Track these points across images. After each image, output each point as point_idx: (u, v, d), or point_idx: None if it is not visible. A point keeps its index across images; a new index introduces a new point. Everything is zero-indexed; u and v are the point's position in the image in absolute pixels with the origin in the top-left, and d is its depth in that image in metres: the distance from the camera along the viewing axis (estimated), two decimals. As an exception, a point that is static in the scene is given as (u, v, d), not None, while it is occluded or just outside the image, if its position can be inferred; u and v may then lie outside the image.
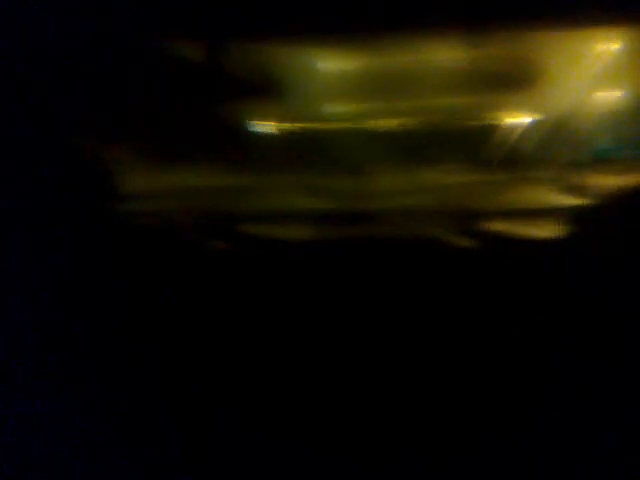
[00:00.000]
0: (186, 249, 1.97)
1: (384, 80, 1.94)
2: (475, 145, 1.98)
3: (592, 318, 1.66)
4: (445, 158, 1.97)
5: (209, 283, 1.90)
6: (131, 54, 1.83)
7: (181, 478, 1.72)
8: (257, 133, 2.04)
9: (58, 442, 1.71)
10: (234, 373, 1.83)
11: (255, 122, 2.05)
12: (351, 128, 2.02)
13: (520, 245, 1.83)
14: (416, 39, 1.83)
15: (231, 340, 1.84)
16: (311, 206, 2.00)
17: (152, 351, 1.84)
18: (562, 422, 1.59)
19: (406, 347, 1.76)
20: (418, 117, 2.00)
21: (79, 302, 1.84)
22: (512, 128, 1.95)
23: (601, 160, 1.86)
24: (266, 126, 2.05)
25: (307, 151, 2.04)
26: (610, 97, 1.83)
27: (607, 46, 1.78)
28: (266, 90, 1.97)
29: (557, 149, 1.92)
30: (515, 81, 1.91)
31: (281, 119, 2.05)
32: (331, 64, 1.94)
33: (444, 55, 1.87)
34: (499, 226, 1.90)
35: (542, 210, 1.88)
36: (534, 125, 1.94)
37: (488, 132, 1.97)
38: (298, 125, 2.04)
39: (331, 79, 1.95)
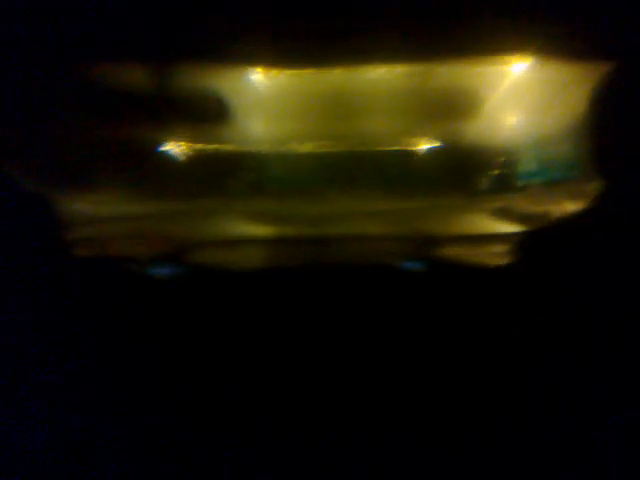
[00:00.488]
0: (126, 278, 1.98)
1: (309, 103, 1.97)
2: (395, 170, 2.01)
3: (535, 344, 1.68)
4: (368, 183, 2.00)
5: (154, 312, 1.91)
6: (46, 79, 1.83)
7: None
8: (186, 156, 2.07)
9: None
10: (179, 408, 1.83)
11: (181, 145, 2.08)
12: (275, 151, 2.05)
13: (454, 271, 1.85)
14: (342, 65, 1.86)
15: (176, 371, 1.84)
16: (251, 232, 2.03)
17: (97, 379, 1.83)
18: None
19: (355, 370, 1.78)
20: (345, 141, 2.03)
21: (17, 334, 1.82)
22: (427, 154, 1.98)
23: (528, 185, 1.89)
24: (193, 149, 2.08)
25: (235, 174, 2.07)
26: (526, 123, 1.86)
27: (521, 73, 1.81)
28: (189, 112, 2.00)
29: (477, 175, 1.95)
30: (435, 108, 1.94)
31: (208, 141, 2.08)
32: (258, 86, 1.97)
33: (367, 79, 1.91)
34: (435, 251, 1.93)
35: (475, 236, 1.91)
36: (447, 151, 1.97)
37: (407, 157, 2.01)
38: (227, 147, 2.07)
39: (255, 101, 1.98)
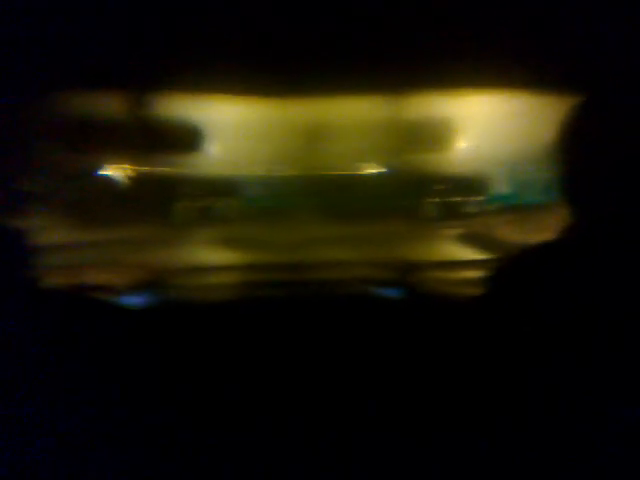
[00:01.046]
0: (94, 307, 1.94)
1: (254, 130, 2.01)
2: (350, 195, 2.06)
3: (507, 371, 1.69)
4: (322, 209, 2.03)
5: (126, 341, 1.87)
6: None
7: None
8: (136, 182, 2.07)
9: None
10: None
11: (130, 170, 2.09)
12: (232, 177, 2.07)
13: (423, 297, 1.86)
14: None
15: (149, 402, 1.80)
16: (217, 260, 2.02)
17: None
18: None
19: (329, 396, 1.76)
20: (299, 165, 2.06)
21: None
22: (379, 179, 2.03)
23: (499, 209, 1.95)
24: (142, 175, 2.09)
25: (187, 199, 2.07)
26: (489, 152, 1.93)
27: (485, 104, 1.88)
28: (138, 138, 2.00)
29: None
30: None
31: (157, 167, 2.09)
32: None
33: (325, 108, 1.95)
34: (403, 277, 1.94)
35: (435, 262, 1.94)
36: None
37: (360, 182, 2.06)
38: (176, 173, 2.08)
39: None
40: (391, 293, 1.91)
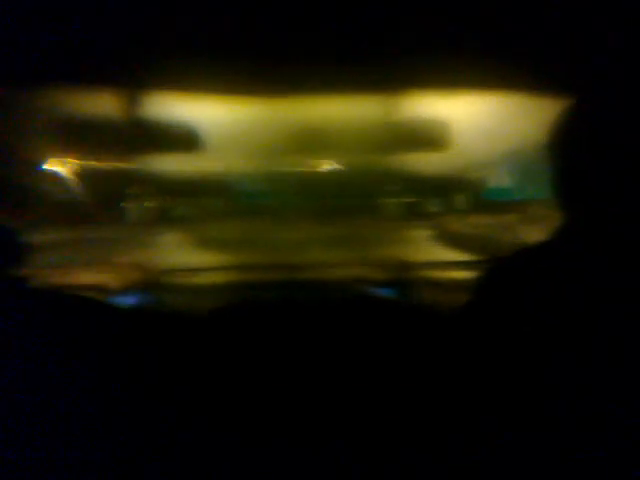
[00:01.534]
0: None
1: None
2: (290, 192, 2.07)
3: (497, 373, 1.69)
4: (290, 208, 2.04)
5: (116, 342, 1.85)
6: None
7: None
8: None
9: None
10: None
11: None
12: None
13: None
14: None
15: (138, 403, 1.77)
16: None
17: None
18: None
19: (322, 397, 1.75)
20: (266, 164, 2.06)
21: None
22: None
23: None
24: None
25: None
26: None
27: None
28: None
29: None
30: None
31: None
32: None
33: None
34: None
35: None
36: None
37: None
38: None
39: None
40: (381, 292, 1.91)
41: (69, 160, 2.10)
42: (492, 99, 1.79)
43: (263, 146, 2.04)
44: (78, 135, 2.00)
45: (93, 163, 2.13)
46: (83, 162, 2.12)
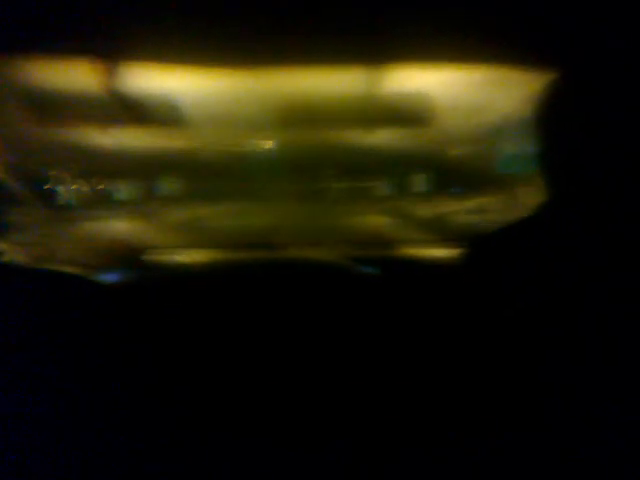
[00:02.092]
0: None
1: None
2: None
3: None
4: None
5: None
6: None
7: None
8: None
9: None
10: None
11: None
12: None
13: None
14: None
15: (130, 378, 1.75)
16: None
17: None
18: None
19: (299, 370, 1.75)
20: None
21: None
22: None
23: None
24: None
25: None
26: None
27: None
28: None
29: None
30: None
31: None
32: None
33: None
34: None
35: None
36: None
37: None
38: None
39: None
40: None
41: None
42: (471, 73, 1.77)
43: (221, 120, 1.99)
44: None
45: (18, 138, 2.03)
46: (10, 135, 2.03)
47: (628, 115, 1.26)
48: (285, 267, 1.93)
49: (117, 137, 2.02)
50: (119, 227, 2.03)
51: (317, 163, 2.03)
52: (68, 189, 2.09)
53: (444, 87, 1.74)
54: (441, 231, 1.87)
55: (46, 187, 2.03)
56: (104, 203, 2.09)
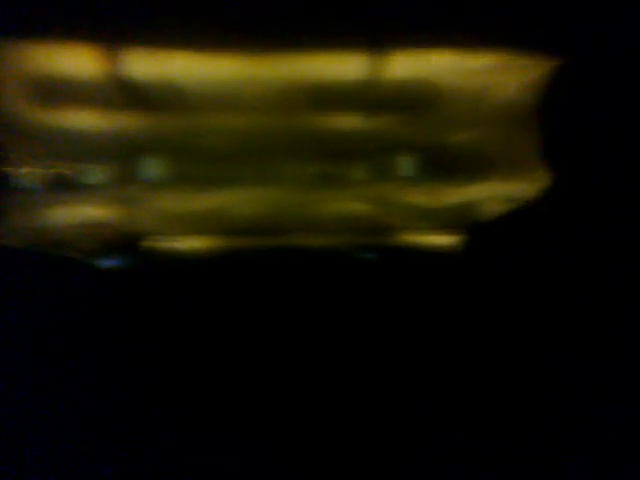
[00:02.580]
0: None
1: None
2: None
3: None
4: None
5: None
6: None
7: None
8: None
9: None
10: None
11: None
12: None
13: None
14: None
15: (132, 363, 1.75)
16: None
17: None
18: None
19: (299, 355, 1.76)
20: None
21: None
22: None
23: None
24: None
25: None
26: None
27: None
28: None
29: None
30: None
31: None
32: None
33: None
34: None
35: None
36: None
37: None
38: None
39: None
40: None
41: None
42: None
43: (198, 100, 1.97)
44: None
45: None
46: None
47: (627, 104, 1.27)
48: (275, 254, 1.93)
49: (88, 119, 1.98)
50: (86, 212, 2.00)
51: (301, 148, 2.02)
52: (31, 172, 2.06)
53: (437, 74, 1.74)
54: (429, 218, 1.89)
55: (10, 170, 2.00)
56: (71, 187, 2.05)
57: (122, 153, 2.01)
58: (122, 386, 1.68)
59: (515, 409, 1.44)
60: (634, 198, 1.31)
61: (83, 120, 2.00)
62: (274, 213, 1.88)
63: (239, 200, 1.90)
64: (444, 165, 1.79)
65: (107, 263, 1.92)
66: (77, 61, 1.85)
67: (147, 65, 1.82)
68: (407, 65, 1.68)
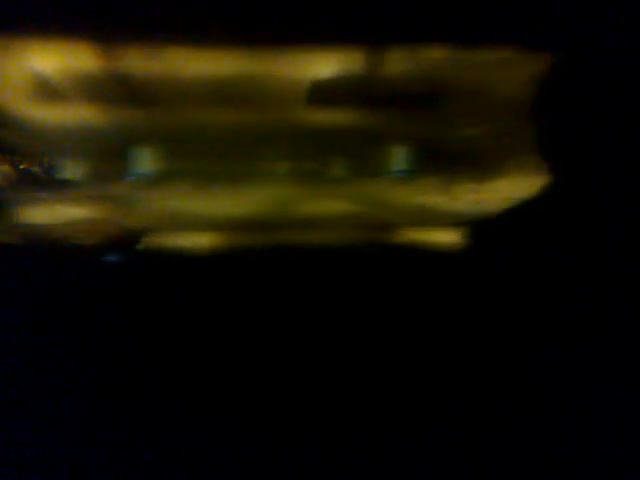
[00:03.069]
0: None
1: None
2: None
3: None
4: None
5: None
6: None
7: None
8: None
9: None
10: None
11: None
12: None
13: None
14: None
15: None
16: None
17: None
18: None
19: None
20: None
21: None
22: None
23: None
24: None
25: None
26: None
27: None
28: None
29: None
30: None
31: None
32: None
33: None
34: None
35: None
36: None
37: None
38: None
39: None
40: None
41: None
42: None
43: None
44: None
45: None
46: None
47: (626, 101, 1.28)
48: (269, 251, 1.92)
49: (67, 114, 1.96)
50: (79, 209, 1.99)
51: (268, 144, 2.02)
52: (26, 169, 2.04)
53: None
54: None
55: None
56: (64, 183, 2.03)
57: (114, 150, 1.99)
58: (122, 386, 1.67)
59: (519, 406, 1.45)
60: (634, 195, 1.32)
61: (76, 116, 1.98)
62: (272, 210, 1.88)
63: (232, 197, 1.90)
64: (443, 162, 1.79)
65: (102, 260, 1.91)
66: (67, 56, 1.84)
67: (138, 60, 1.81)
68: (406, 60, 1.68)
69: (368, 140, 1.95)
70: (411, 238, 1.82)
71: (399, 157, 1.99)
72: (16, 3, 1.74)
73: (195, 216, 1.97)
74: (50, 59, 1.83)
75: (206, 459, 1.58)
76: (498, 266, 1.53)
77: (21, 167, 2.04)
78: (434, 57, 1.64)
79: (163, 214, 1.98)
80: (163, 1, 1.76)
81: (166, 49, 1.83)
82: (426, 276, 1.67)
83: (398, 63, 1.70)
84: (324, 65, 1.83)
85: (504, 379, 1.49)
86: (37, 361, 1.70)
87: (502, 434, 1.41)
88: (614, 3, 1.46)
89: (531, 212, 1.33)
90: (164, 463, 1.57)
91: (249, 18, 1.74)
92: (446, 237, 1.78)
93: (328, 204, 1.90)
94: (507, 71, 1.65)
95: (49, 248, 1.87)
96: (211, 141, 2.05)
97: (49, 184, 2.02)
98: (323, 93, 1.81)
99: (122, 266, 1.90)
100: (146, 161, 2.06)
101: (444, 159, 1.82)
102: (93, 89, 1.93)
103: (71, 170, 2.06)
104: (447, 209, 1.81)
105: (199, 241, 1.95)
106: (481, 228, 1.65)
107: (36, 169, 2.04)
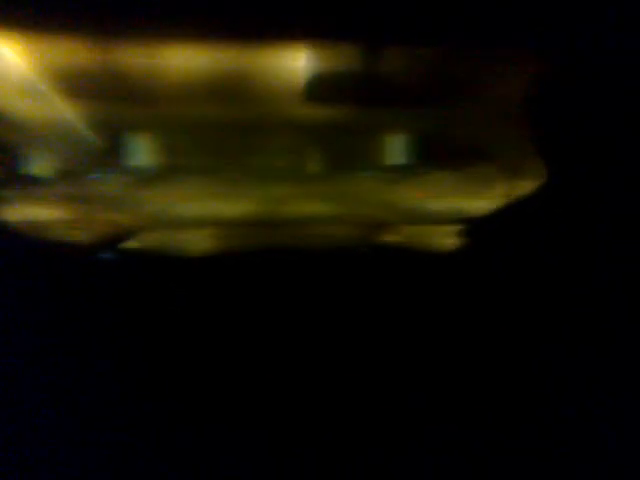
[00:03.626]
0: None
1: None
2: None
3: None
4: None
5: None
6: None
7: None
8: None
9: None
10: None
11: None
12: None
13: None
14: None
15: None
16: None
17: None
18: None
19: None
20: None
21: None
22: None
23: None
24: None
25: None
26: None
27: None
28: None
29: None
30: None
31: None
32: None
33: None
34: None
35: None
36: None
37: None
38: None
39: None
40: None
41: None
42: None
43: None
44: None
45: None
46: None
47: (620, 104, 1.29)
48: (264, 250, 1.93)
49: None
50: (71, 206, 1.99)
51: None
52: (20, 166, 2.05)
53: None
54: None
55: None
56: (57, 180, 2.03)
57: (101, 145, 1.99)
58: (121, 386, 1.67)
59: (519, 406, 1.45)
60: (635, 196, 1.32)
61: (61, 111, 1.99)
62: (265, 208, 1.88)
63: (229, 194, 1.90)
64: (442, 162, 1.80)
65: (94, 257, 1.91)
66: (60, 52, 1.84)
67: (126, 54, 1.81)
68: (401, 59, 1.68)
69: (364, 137, 1.95)
70: (407, 237, 1.83)
71: (395, 155, 2.00)
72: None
73: (186, 215, 1.98)
74: (32, 52, 1.83)
75: (206, 459, 1.59)
76: (497, 266, 1.54)
77: (5, 164, 2.05)
78: (432, 55, 1.64)
79: (151, 211, 1.98)
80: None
81: (151, 42, 1.83)
82: (423, 276, 1.67)
83: (395, 61, 1.71)
84: (320, 61, 1.84)
85: (504, 379, 1.50)
86: (30, 362, 1.71)
87: (502, 434, 1.42)
88: (614, 3, 1.46)
89: (531, 212, 1.33)
90: (163, 463, 1.58)
91: (242, 12, 1.74)
92: (443, 236, 1.79)
93: (321, 203, 1.90)
94: (507, 71, 1.65)
95: (38, 246, 1.88)
96: (205, 137, 2.06)
97: (35, 181, 2.02)
98: (320, 89, 1.82)
99: (112, 265, 1.91)
100: (133, 157, 2.06)
101: (443, 158, 1.83)
102: (78, 83, 1.93)
103: (55, 167, 2.07)
104: (443, 208, 1.82)
105: (187, 239, 1.95)
106: (480, 228, 1.66)
107: (21, 167, 2.05)
